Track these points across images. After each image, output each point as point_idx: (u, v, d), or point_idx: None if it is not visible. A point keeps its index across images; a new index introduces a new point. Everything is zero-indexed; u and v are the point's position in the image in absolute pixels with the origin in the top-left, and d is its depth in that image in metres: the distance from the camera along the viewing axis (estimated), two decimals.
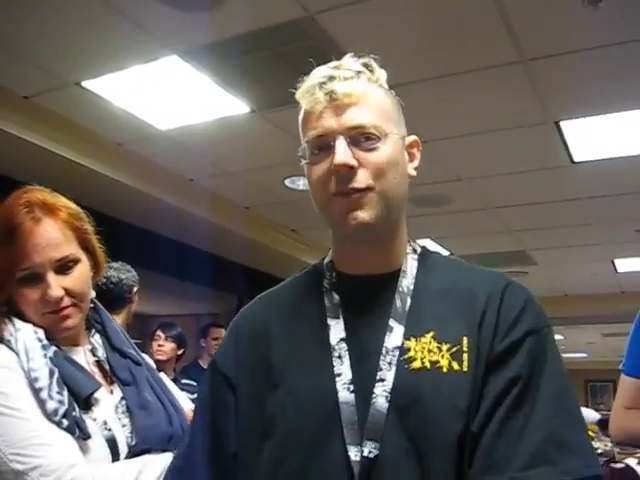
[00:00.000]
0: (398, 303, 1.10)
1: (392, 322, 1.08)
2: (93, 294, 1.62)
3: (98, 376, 1.55)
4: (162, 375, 3.43)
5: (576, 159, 4.88)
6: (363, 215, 1.07)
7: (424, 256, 1.20)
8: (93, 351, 1.58)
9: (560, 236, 6.96)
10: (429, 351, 1.04)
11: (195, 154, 4.94)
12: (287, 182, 5.36)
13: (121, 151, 4.86)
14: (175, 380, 4.66)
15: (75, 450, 1.37)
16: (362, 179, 1.07)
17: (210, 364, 1.27)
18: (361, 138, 1.08)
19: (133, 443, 1.49)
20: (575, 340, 12.26)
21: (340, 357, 1.07)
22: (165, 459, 1.51)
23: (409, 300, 1.11)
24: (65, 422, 1.37)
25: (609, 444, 8.66)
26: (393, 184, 1.11)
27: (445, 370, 1.03)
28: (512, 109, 4.11)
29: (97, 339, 1.61)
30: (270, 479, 1.06)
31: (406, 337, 1.07)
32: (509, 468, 0.94)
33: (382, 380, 1.03)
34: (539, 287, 7.97)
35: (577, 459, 0.95)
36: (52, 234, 1.45)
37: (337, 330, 1.10)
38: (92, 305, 1.62)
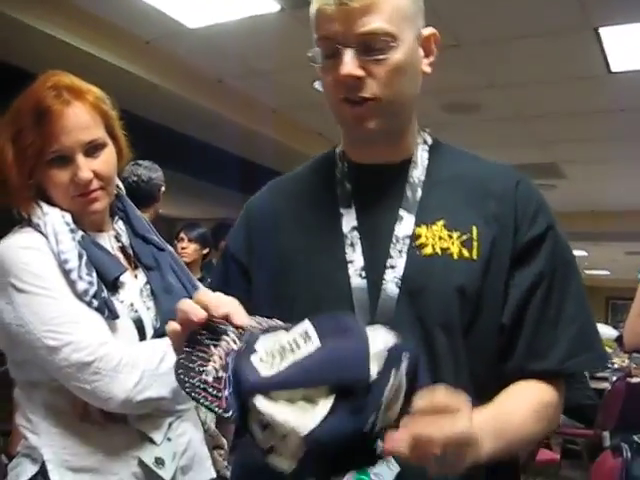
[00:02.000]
0: (409, 193, 1.12)
1: (402, 212, 1.11)
2: (117, 181, 1.63)
3: (122, 261, 1.58)
4: None
5: (614, 69, 4.74)
6: (370, 124, 1.09)
7: (435, 147, 1.21)
8: (117, 237, 1.61)
9: (592, 150, 6.84)
10: (440, 238, 1.08)
11: (224, 54, 4.87)
12: (316, 84, 5.28)
13: (149, 49, 4.81)
14: (202, 279, 4.75)
15: (105, 329, 1.41)
16: (369, 89, 1.06)
17: (224, 249, 1.30)
18: (370, 46, 1.05)
19: (158, 325, 1.53)
20: (598, 257, 12.18)
21: (352, 245, 1.10)
22: None
23: (419, 190, 1.13)
24: (95, 302, 1.41)
25: (626, 360, 8.77)
26: (402, 90, 1.10)
27: (455, 257, 1.07)
28: (549, 13, 3.97)
29: (121, 225, 1.63)
30: None
31: (417, 224, 1.09)
32: (553, 356, 1.05)
33: (392, 267, 1.07)
34: (567, 202, 7.91)
35: (601, 349, 1.11)
36: (81, 117, 1.46)
37: (349, 218, 1.12)
38: (115, 192, 1.64)
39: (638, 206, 9.11)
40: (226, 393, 0.77)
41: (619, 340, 9.57)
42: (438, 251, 1.07)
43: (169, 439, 1.51)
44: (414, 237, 1.08)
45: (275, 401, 0.75)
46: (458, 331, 1.04)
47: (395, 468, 0.94)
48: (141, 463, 1.45)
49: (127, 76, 4.72)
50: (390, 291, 1.05)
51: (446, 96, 5.22)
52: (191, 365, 0.83)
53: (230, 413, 0.76)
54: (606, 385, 6.93)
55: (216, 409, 0.77)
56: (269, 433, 0.76)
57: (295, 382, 0.75)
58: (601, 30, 4.17)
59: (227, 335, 0.83)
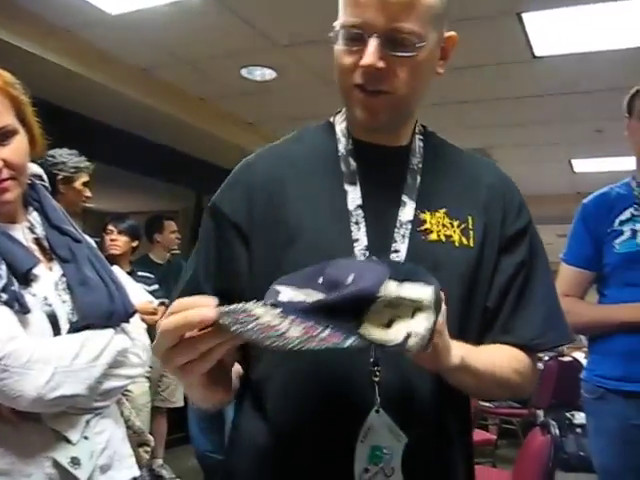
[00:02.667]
0: (409, 180, 1.16)
1: (404, 197, 1.14)
2: (30, 170, 1.57)
3: (37, 253, 1.52)
4: (116, 268, 3.43)
5: (537, 53, 4.81)
6: (380, 116, 1.12)
7: (426, 136, 1.25)
8: (31, 228, 1.55)
9: (519, 134, 6.95)
10: (443, 225, 1.13)
11: (148, 42, 4.76)
12: (243, 72, 5.23)
13: (70, 37, 4.67)
14: (131, 273, 4.65)
15: (14, 324, 1.36)
16: (387, 83, 1.08)
17: (213, 210, 1.20)
18: (397, 41, 1.06)
19: (74, 319, 1.48)
20: None
21: (357, 223, 1.11)
22: (107, 335, 1.51)
23: (419, 178, 1.17)
24: (4, 296, 1.35)
25: None
26: (417, 88, 1.14)
27: (457, 244, 1.13)
28: None
29: (35, 216, 1.57)
30: None
31: (421, 210, 1.13)
32: (525, 333, 1.14)
33: (396, 251, 1.09)
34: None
35: (566, 327, 1.21)
36: None
37: (354, 196, 1.13)
38: (29, 182, 1.57)
39: (567, 189, 9.34)
40: (327, 331, 0.77)
41: None
42: (442, 238, 1.12)
43: (86, 437, 1.47)
44: (418, 222, 1.12)
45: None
46: (455, 316, 1.07)
47: (403, 439, 1.01)
48: (56, 464, 1.40)
49: (47, 65, 4.58)
50: None
51: None
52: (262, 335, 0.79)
53: (352, 339, 0.78)
54: (539, 365, 7.06)
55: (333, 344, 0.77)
56: (398, 324, 0.80)
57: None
58: (524, 15, 4.22)
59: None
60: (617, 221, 2.33)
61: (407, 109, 1.17)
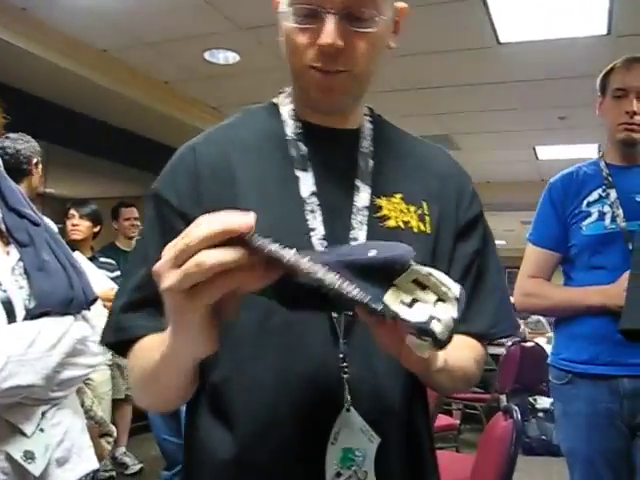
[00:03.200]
0: (362, 164, 1.11)
1: (358, 182, 1.09)
2: None
3: None
4: (77, 254, 3.36)
5: (502, 40, 4.82)
6: (338, 95, 1.06)
7: (375, 119, 1.20)
8: None
9: (483, 121, 6.99)
10: (400, 211, 1.09)
11: (110, 24, 4.67)
12: (207, 55, 5.16)
13: (25, 17, 4.56)
14: (93, 258, 4.58)
15: None
16: (345, 61, 1.02)
17: (157, 199, 1.09)
18: (355, 16, 1.00)
19: (31, 306, 1.43)
20: (494, 227, 12.54)
21: (313, 211, 1.04)
22: (65, 323, 1.47)
23: (371, 162, 1.11)
24: None
25: (521, 325, 9.12)
26: (372, 65, 1.07)
27: (416, 230, 1.09)
28: None
29: None
30: (254, 331, 1.01)
31: (376, 195, 1.08)
32: (480, 323, 1.12)
33: (355, 239, 1.04)
34: None
35: (514, 317, 1.19)
36: None
37: (307, 183, 1.07)
38: None
39: (531, 176, 9.42)
40: (356, 290, 0.72)
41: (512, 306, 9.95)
42: (401, 224, 1.08)
43: (42, 430, 1.42)
44: (375, 209, 1.07)
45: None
46: None
47: (376, 440, 0.97)
48: (9, 457, 1.36)
49: (8, 48, 4.47)
50: None
51: None
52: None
53: (379, 305, 0.73)
54: (502, 350, 7.15)
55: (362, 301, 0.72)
56: (420, 305, 0.75)
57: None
58: (489, 0, 4.22)
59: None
60: (585, 202, 2.29)
61: (363, 87, 1.10)
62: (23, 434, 1.39)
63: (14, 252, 1.48)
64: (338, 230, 1.04)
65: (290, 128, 1.12)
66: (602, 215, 2.25)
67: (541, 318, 10.23)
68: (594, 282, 2.24)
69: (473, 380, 1.14)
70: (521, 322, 9.48)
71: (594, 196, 2.29)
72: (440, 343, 0.74)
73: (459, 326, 1.05)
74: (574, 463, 2.29)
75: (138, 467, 5.15)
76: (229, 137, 1.13)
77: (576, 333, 2.28)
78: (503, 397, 6.61)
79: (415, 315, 0.73)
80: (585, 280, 2.28)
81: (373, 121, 1.19)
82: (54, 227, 1.67)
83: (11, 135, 3.18)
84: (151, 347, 0.93)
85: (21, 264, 1.47)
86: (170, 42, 4.96)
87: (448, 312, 0.75)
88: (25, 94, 5.18)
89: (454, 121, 6.98)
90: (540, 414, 6.47)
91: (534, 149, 8.08)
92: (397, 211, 1.08)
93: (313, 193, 1.06)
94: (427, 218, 1.10)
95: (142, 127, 6.52)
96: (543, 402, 6.68)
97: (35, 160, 3.22)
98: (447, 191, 1.15)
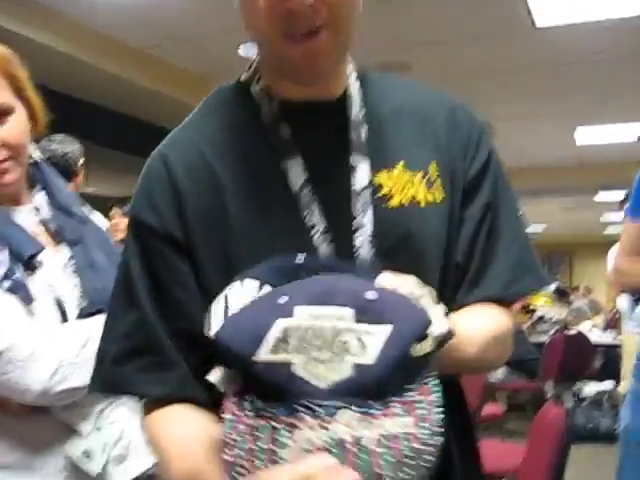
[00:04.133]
0: (354, 136, 0.96)
1: (353, 159, 0.94)
2: (33, 150, 1.52)
3: (43, 236, 1.48)
4: None
5: (538, 24, 4.75)
6: (323, 60, 0.89)
7: (364, 77, 1.03)
8: (37, 210, 1.51)
9: (520, 106, 6.90)
10: (404, 185, 0.95)
11: (145, 21, 4.70)
12: (241, 49, 5.17)
13: (65, 20, 4.61)
14: None
15: (18, 313, 1.31)
16: (319, 17, 0.85)
17: (135, 225, 0.95)
18: None
19: (83, 305, 1.44)
20: (533, 213, 12.44)
21: (308, 205, 0.92)
22: None
23: (364, 130, 0.97)
24: (6, 284, 1.31)
25: (564, 313, 9.02)
26: (351, 19, 0.90)
27: (423, 204, 0.95)
28: None
29: (41, 198, 1.52)
30: None
31: (376, 170, 0.95)
32: (497, 283, 0.98)
33: (360, 227, 0.92)
34: (500, 159, 7.99)
35: (540, 269, 1.03)
36: None
37: (296, 172, 0.93)
38: (33, 161, 1.53)
39: (569, 161, 9.29)
40: None
41: (557, 292, 9.85)
42: (405, 202, 0.94)
43: (99, 429, 1.43)
44: (376, 187, 0.94)
45: None
46: (437, 280, 0.94)
47: None
48: (68, 457, 1.37)
49: (50, 52, 4.52)
50: (364, 254, 0.91)
51: (375, 54, 5.17)
52: None
53: None
54: (545, 338, 7.09)
55: None
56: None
57: None
58: None
59: None
60: None
61: (347, 43, 0.93)
62: (80, 434, 1.40)
63: (64, 251, 1.48)
64: (339, 222, 0.92)
65: (266, 110, 0.97)
66: None
67: (582, 304, 10.11)
68: None
69: (494, 358, 0.99)
70: (564, 310, 9.38)
71: None
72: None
73: (475, 291, 0.97)
74: (630, 444, 2.19)
75: None
76: (200, 135, 0.98)
77: None
78: (548, 386, 6.54)
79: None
80: None
81: (362, 81, 1.02)
82: (103, 224, 1.67)
83: (56, 137, 3.22)
84: (195, 459, 0.83)
85: (72, 263, 1.48)
86: (204, 37, 4.98)
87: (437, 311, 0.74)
88: (63, 95, 5.23)
89: (491, 107, 6.88)
90: (586, 402, 6.40)
91: (572, 134, 7.96)
92: (400, 185, 0.95)
93: (305, 184, 0.92)
94: (437, 182, 0.96)
95: (178, 124, 6.55)
96: (589, 389, 6.61)
97: (81, 161, 3.28)
98: (454, 137, 1.00)
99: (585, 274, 16.76)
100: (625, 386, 4.39)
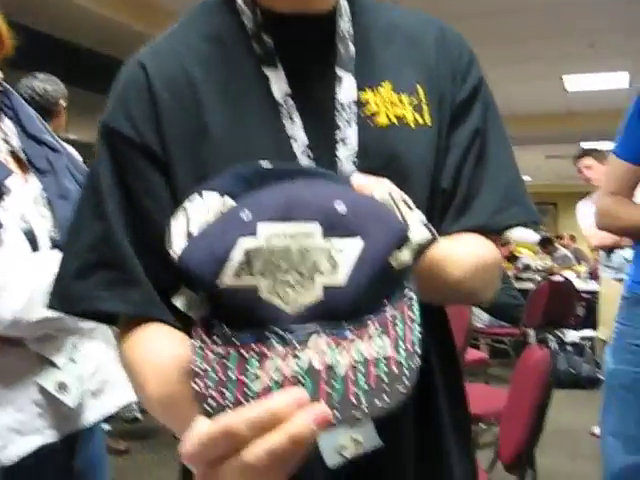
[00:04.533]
0: (341, 49, 0.92)
1: (339, 71, 0.91)
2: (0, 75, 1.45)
3: (13, 166, 1.42)
4: None
5: None
6: None
7: None
8: (5, 139, 1.45)
9: (508, 50, 6.80)
10: (392, 104, 0.91)
11: None
12: None
13: None
14: None
15: None
16: None
17: (109, 134, 0.89)
18: None
19: (56, 236, 1.39)
20: (519, 163, 12.39)
21: (290, 116, 0.88)
22: None
23: (352, 46, 0.93)
24: None
25: (548, 261, 9.08)
26: None
27: (413, 125, 0.91)
28: None
29: (9, 126, 1.46)
30: None
31: (361, 88, 0.90)
32: (483, 211, 0.94)
33: (343, 141, 0.88)
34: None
35: (531, 204, 0.99)
36: None
37: (278, 82, 0.89)
38: (0, 89, 1.46)
39: (557, 108, 9.23)
40: None
41: (541, 243, 9.90)
42: (394, 120, 0.90)
43: (73, 361, 1.39)
44: (361, 104, 0.90)
45: None
46: (424, 206, 0.89)
47: None
48: (42, 389, 1.34)
49: None
50: (347, 171, 0.87)
51: None
52: None
53: None
54: (530, 285, 7.13)
55: None
56: None
57: None
58: None
59: None
60: None
61: None
62: (54, 366, 1.37)
63: (34, 181, 1.43)
64: (322, 134, 0.88)
65: (249, 19, 0.93)
66: None
67: (568, 253, 10.18)
68: None
69: (477, 285, 0.93)
70: (548, 259, 9.43)
71: None
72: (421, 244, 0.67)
73: (460, 220, 0.93)
74: (614, 388, 2.18)
75: None
76: (182, 45, 0.93)
77: None
78: (531, 332, 6.59)
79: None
80: None
81: (350, 0, 0.97)
82: (77, 155, 1.61)
83: (39, 75, 3.19)
84: (169, 379, 0.76)
85: (44, 194, 1.42)
86: None
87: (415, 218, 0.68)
88: (47, 36, 5.10)
89: (478, 51, 6.78)
90: (569, 348, 6.46)
91: (562, 79, 7.88)
92: (387, 104, 0.91)
93: (287, 94, 0.88)
94: (425, 107, 0.92)
95: None
96: (571, 336, 6.66)
97: (63, 102, 3.23)
98: (442, 60, 0.96)
99: (570, 223, 16.82)
100: (604, 331, 4.43)
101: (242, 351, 0.60)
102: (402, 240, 0.65)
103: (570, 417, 5.18)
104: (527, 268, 8.51)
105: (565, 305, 6.72)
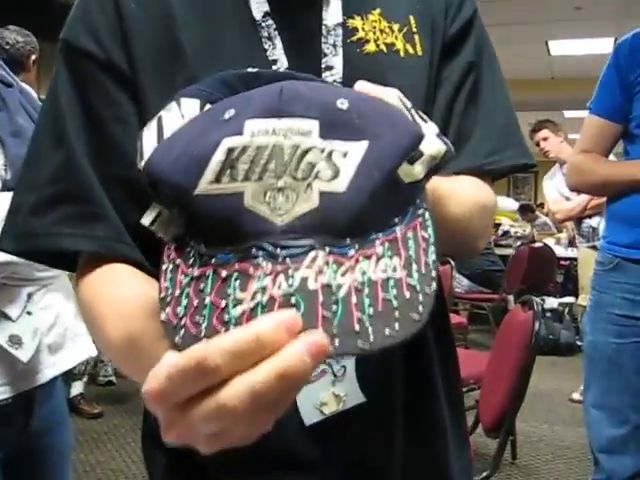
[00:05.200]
0: None
1: None
2: None
3: None
4: None
5: None
6: None
7: None
8: None
9: (491, 12, 6.67)
10: (381, 31, 0.85)
11: None
12: None
13: None
14: None
15: None
16: None
17: (67, 51, 0.80)
18: None
19: (8, 176, 1.29)
20: None
21: (270, 38, 0.81)
22: None
23: None
24: None
25: (528, 229, 9.08)
26: None
27: (402, 54, 0.86)
28: None
29: None
30: None
31: (348, 15, 0.84)
32: (477, 152, 0.89)
33: (330, 68, 0.82)
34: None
35: (525, 146, 0.94)
36: None
37: (258, 2, 0.82)
38: None
39: (542, 74, 9.15)
40: None
41: (521, 210, 9.91)
42: (383, 48, 0.85)
43: (29, 313, 1.31)
44: (348, 32, 0.84)
45: None
46: None
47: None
48: None
49: None
50: None
51: None
52: None
53: None
54: (510, 252, 7.11)
55: None
56: None
57: None
58: None
59: None
60: None
61: None
62: (8, 318, 1.28)
63: None
64: (305, 59, 0.82)
65: None
66: None
67: (547, 220, 10.19)
68: None
69: (478, 228, 0.89)
70: (528, 226, 9.43)
71: None
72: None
73: (453, 162, 0.85)
74: (595, 360, 2.12)
75: None
76: None
77: (621, 213, 2.07)
78: (511, 297, 6.58)
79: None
80: None
81: None
82: (33, 93, 1.50)
83: (11, 27, 3.13)
84: (133, 315, 0.67)
85: None
86: None
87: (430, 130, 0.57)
88: None
89: None
90: (548, 314, 6.46)
91: (547, 44, 7.78)
92: (377, 32, 0.86)
93: (267, 13, 0.82)
94: (416, 37, 0.88)
95: None
96: (551, 302, 6.66)
97: (34, 57, 3.15)
98: None
99: None
100: (584, 298, 4.40)
101: (221, 271, 0.49)
102: (415, 145, 0.54)
103: (549, 383, 5.18)
104: (506, 234, 8.51)
105: (544, 271, 6.72)
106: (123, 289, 0.72)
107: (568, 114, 10.78)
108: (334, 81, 0.80)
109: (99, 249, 0.74)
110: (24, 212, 0.76)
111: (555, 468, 3.72)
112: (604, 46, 7.70)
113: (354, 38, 0.84)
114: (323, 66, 0.82)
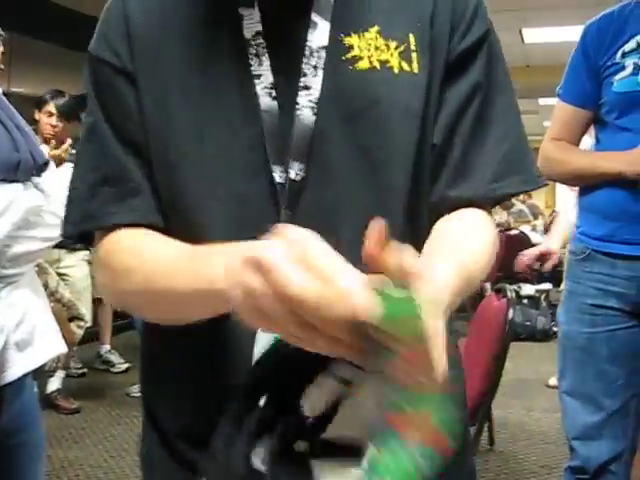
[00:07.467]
0: None
1: (315, 17, 0.87)
2: None
3: None
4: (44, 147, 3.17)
5: None
6: None
7: None
8: None
9: None
10: (376, 48, 0.87)
11: None
12: None
13: None
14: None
15: None
16: None
17: (91, 62, 0.91)
18: None
19: None
20: None
21: (258, 55, 0.86)
22: (12, 191, 1.31)
23: None
24: None
25: (504, 216, 9.14)
26: None
27: (396, 70, 0.87)
28: None
29: None
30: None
31: (345, 33, 0.87)
32: (479, 179, 0.90)
33: (307, 88, 0.85)
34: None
35: (534, 170, 0.95)
36: None
37: (252, 21, 0.87)
38: None
39: (516, 62, 9.17)
40: None
41: None
42: (376, 64, 0.86)
43: None
44: (344, 49, 0.86)
45: None
46: (408, 157, 0.87)
47: None
48: None
49: None
50: (305, 119, 0.84)
51: None
52: None
53: None
54: None
55: None
56: None
57: None
58: None
59: None
60: (620, 52, 1.98)
61: None
62: None
63: None
64: (288, 78, 0.85)
65: None
66: (638, 69, 1.95)
67: (524, 207, 10.26)
68: (622, 146, 1.98)
69: (496, 247, 0.90)
70: (504, 213, 9.49)
71: (631, 45, 1.97)
72: None
73: (454, 189, 0.90)
74: (569, 349, 2.12)
75: (125, 366, 5.21)
76: None
77: (593, 205, 2.07)
78: (487, 285, 6.61)
79: None
80: (613, 144, 2.03)
81: None
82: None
83: None
84: (160, 261, 0.79)
85: None
86: None
87: None
88: None
89: None
90: (525, 301, 6.50)
91: (520, 32, 7.80)
92: (372, 49, 0.88)
93: (258, 33, 0.87)
94: (414, 55, 0.88)
95: None
96: (527, 289, 6.70)
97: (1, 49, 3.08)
98: (440, 13, 0.91)
99: None
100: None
101: None
102: None
103: (526, 369, 5.22)
104: None
105: None
106: (155, 244, 0.83)
107: (543, 101, 10.83)
108: (309, 101, 0.84)
109: (139, 219, 0.86)
110: (76, 201, 0.90)
111: (532, 453, 3.75)
112: (578, 34, 7.73)
113: (349, 55, 0.86)
114: (301, 85, 0.85)
